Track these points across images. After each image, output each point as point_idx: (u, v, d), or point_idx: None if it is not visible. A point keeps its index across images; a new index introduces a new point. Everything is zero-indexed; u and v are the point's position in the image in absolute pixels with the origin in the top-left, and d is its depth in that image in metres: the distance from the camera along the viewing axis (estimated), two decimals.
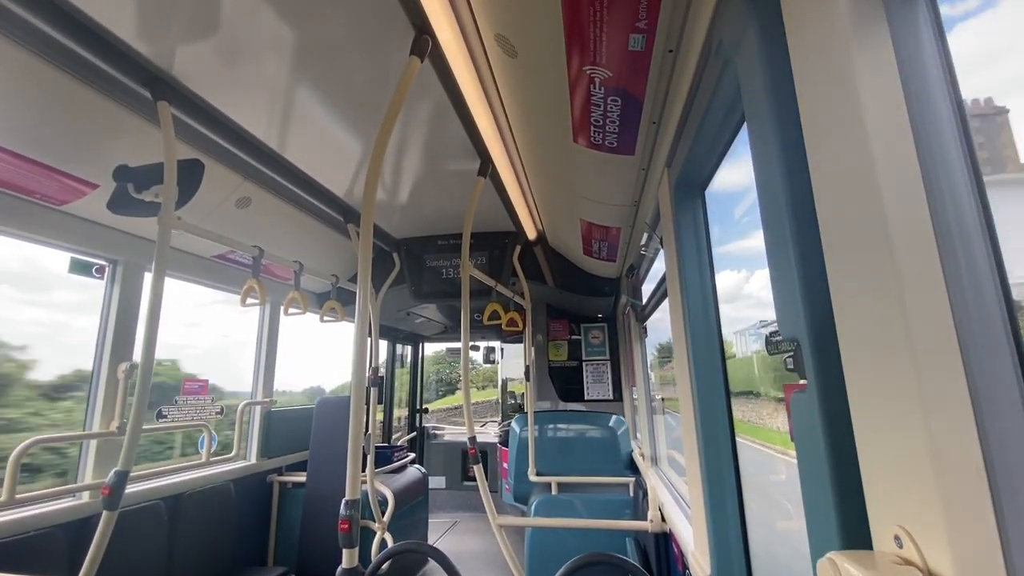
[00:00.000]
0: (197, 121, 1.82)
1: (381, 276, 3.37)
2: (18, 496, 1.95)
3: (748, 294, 1.73)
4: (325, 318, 3.28)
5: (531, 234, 3.29)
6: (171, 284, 2.76)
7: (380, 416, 5.32)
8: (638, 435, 3.61)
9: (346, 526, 1.34)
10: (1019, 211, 0.56)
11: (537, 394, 4.34)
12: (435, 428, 6.65)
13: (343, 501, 1.35)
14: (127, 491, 1.66)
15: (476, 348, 7.34)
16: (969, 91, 0.55)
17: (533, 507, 3.01)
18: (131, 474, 1.65)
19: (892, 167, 0.52)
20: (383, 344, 5.72)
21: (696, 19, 1.06)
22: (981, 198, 0.51)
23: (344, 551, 1.36)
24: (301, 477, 3.42)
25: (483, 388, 16.38)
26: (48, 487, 2.17)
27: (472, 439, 2.27)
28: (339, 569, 1.36)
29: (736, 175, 1.48)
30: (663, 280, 1.97)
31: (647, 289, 2.88)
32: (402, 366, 6.44)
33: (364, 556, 2.99)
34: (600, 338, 4.53)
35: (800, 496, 0.73)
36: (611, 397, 4.35)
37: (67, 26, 1.37)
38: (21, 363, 2.59)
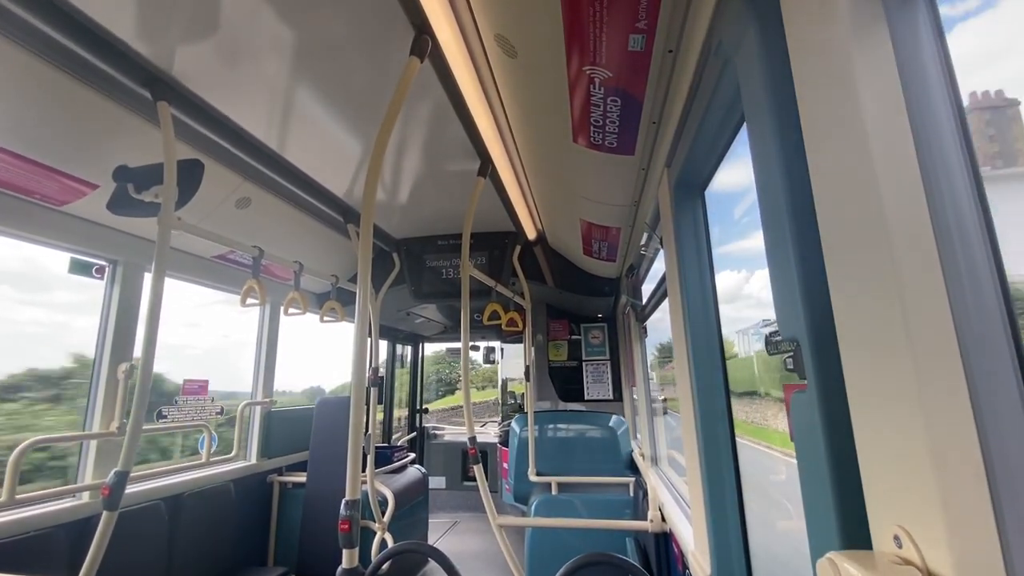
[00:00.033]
0: (197, 121, 1.82)
1: (381, 276, 3.37)
2: (18, 496, 1.95)
3: (748, 294, 1.73)
4: (325, 318, 3.28)
5: (531, 234, 3.30)
6: (171, 284, 2.76)
7: (380, 416, 5.32)
8: (638, 435, 3.61)
9: (346, 526, 1.34)
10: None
11: (537, 394, 4.34)
12: (435, 428, 6.65)
13: (343, 501, 1.35)
14: (127, 491, 1.66)
15: (476, 348, 7.34)
16: (969, 91, 0.55)
17: (533, 507, 3.01)
18: (131, 474, 1.65)
19: (892, 167, 0.52)
20: (383, 344, 5.72)
21: (696, 19, 1.06)
22: (980, 198, 0.51)
23: (344, 551, 1.36)
24: (301, 477, 3.42)
25: (483, 388, 16.39)
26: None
27: (472, 439, 2.27)
28: (339, 569, 1.36)
29: (736, 175, 1.48)
30: (663, 280, 1.97)
31: (647, 289, 2.88)
32: (402, 366, 6.44)
33: (364, 556, 2.99)
34: (600, 338, 4.53)
35: (800, 496, 0.73)
36: (611, 397, 4.35)
37: (67, 26, 1.37)
38: None
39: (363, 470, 2.92)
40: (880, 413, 0.54)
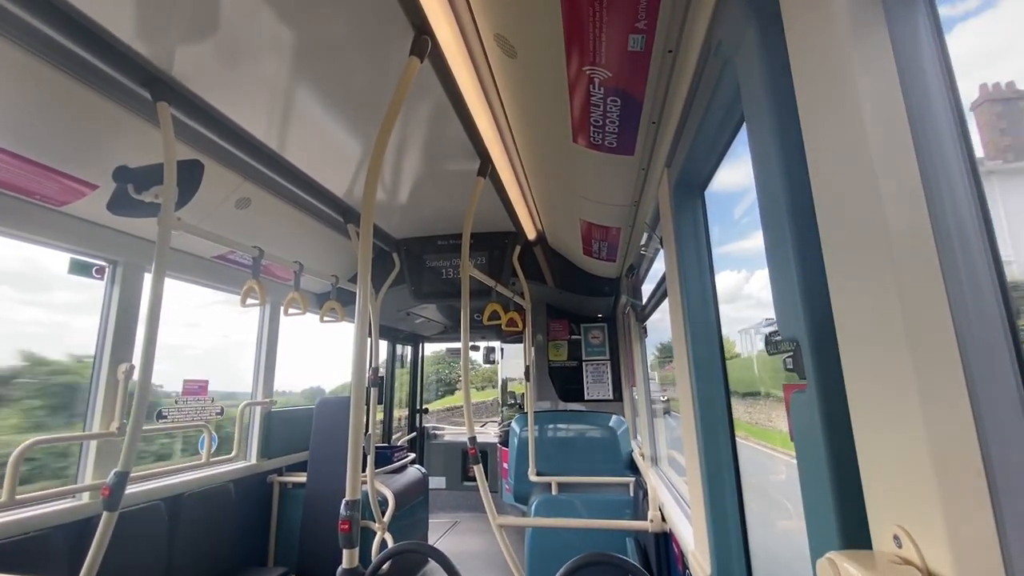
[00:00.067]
0: (197, 122, 1.82)
1: (381, 276, 3.37)
2: (18, 497, 1.95)
3: (748, 294, 1.73)
4: (325, 318, 3.29)
5: (531, 234, 3.30)
6: (171, 284, 2.76)
7: (380, 416, 5.32)
8: (638, 435, 3.61)
9: (346, 526, 1.34)
10: None
11: (537, 394, 4.34)
12: (435, 428, 6.65)
13: (343, 501, 1.35)
14: (127, 492, 1.66)
15: (476, 348, 7.34)
16: (968, 91, 0.55)
17: (533, 507, 3.01)
18: (131, 475, 1.65)
19: (891, 167, 0.52)
20: (383, 344, 5.72)
21: (695, 19, 1.06)
22: (980, 198, 0.51)
23: (344, 551, 1.36)
24: (301, 477, 3.42)
25: (482, 388, 16.39)
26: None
27: (472, 439, 2.27)
28: (339, 569, 1.36)
29: (736, 175, 1.49)
30: (663, 280, 1.98)
31: (647, 289, 2.88)
32: (402, 366, 6.44)
33: (364, 556, 2.99)
34: (600, 338, 4.53)
35: (800, 496, 0.73)
36: (611, 397, 4.35)
37: (66, 27, 1.37)
38: None
39: (363, 470, 2.92)
40: (880, 413, 0.54)
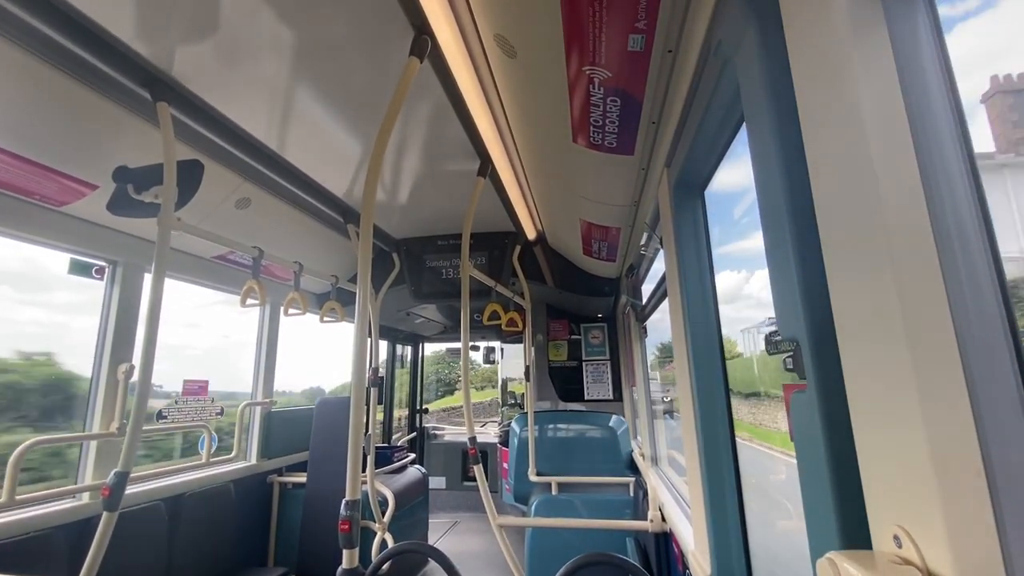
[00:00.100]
0: (197, 122, 1.82)
1: (381, 276, 3.37)
2: (18, 497, 1.95)
3: (748, 294, 1.73)
4: (325, 319, 3.29)
5: (531, 234, 3.30)
6: (171, 285, 2.76)
7: (380, 416, 5.32)
8: (638, 435, 3.61)
9: (346, 526, 1.34)
10: None
11: (537, 394, 4.34)
12: (435, 428, 6.65)
13: (343, 501, 1.35)
14: (127, 492, 1.66)
15: (476, 348, 7.34)
16: (967, 91, 0.55)
17: (533, 507, 3.01)
18: (131, 475, 1.65)
19: (891, 167, 0.52)
20: (383, 344, 5.72)
21: (695, 19, 1.06)
22: (979, 198, 0.51)
23: (344, 551, 1.36)
24: (301, 478, 3.42)
25: (481, 389, 16.37)
26: None
27: (472, 439, 2.27)
28: (339, 570, 1.36)
29: (735, 175, 1.49)
30: (663, 280, 1.98)
31: (647, 289, 2.88)
32: (402, 366, 6.44)
33: (364, 556, 2.99)
34: (600, 338, 4.53)
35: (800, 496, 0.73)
36: (611, 397, 4.35)
37: (66, 27, 1.37)
38: None
39: (363, 470, 2.92)
40: (880, 413, 0.55)
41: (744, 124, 0.89)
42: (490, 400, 13.21)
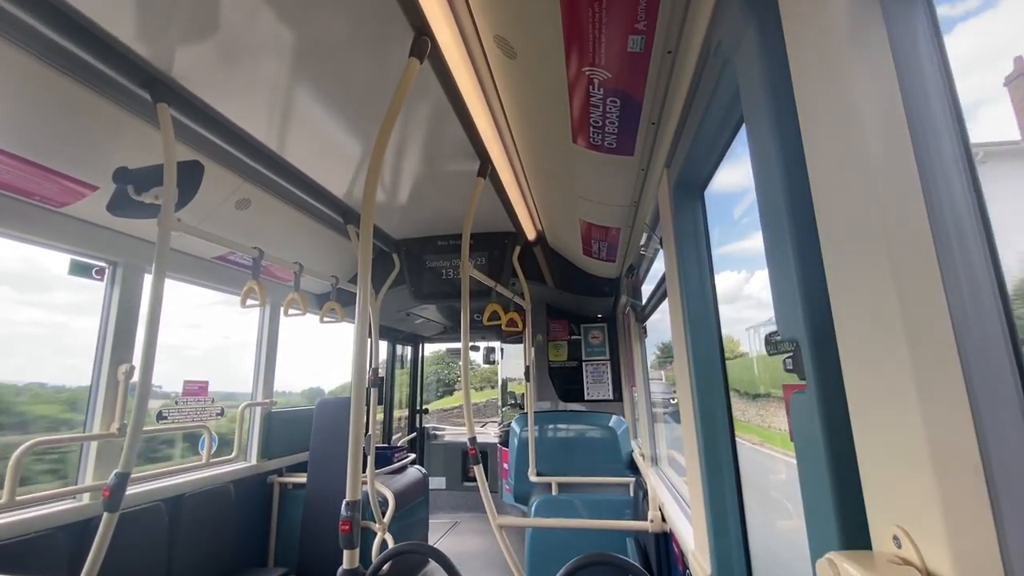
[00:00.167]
0: (197, 123, 1.82)
1: (381, 277, 3.38)
2: (19, 498, 1.95)
3: (748, 295, 1.73)
4: (325, 319, 3.29)
5: (531, 234, 3.30)
6: (171, 285, 2.76)
7: (380, 417, 5.32)
8: (638, 435, 3.61)
9: (347, 527, 1.34)
10: None
11: (537, 394, 4.35)
12: (435, 428, 6.65)
13: (343, 502, 1.35)
14: (128, 492, 1.66)
15: (476, 348, 7.34)
16: (966, 92, 0.55)
17: (533, 507, 3.01)
18: (132, 476, 1.65)
19: (890, 168, 0.53)
20: (383, 345, 5.72)
21: (695, 20, 1.06)
22: (978, 198, 0.51)
23: (345, 552, 1.36)
24: (301, 478, 3.42)
25: (480, 389, 16.35)
26: None
27: (472, 439, 2.27)
28: (340, 570, 1.36)
29: (735, 176, 1.49)
30: (663, 280, 1.98)
31: (647, 289, 2.88)
32: (402, 367, 6.44)
33: (364, 557, 2.99)
34: (600, 338, 4.53)
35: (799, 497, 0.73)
36: (611, 397, 4.36)
37: (66, 28, 1.37)
38: None
39: (363, 471, 2.93)
40: (879, 413, 0.55)
41: (744, 124, 0.89)
42: (486, 401, 13.20)
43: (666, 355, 3.16)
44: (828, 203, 0.63)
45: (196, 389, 3.00)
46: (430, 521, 4.19)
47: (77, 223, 2.25)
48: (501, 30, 1.36)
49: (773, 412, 1.55)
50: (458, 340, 6.05)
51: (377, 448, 3.26)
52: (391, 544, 2.95)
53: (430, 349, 7.19)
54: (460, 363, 2.44)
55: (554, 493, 3.17)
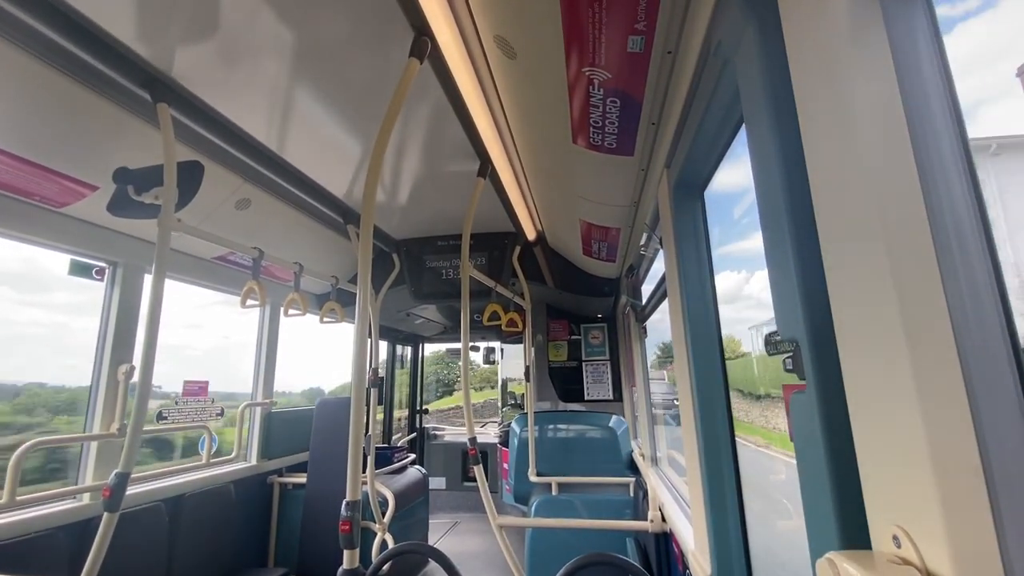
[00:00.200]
0: (197, 123, 1.82)
1: (381, 277, 3.38)
2: (19, 498, 1.95)
3: (748, 295, 1.73)
4: (325, 319, 3.29)
5: (531, 235, 3.30)
6: (171, 286, 2.76)
7: (380, 417, 5.32)
8: (638, 435, 3.61)
9: (347, 527, 1.34)
10: None
11: (537, 394, 4.35)
12: (435, 429, 6.65)
13: (343, 502, 1.35)
14: (128, 492, 1.66)
15: (476, 349, 7.34)
16: (966, 92, 0.55)
17: (533, 507, 3.01)
18: (132, 476, 1.65)
19: (889, 168, 0.53)
20: (383, 345, 5.72)
21: (695, 20, 1.06)
22: (977, 199, 0.51)
23: (345, 552, 1.36)
24: (301, 478, 3.42)
25: (480, 389, 16.34)
26: None
27: (472, 440, 2.27)
28: (340, 570, 1.36)
29: (735, 176, 1.49)
30: (663, 280, 1.98)
31: (647, 289, 2.88)
32: (402, 367, 6.44)
33: (365, 557, 2.99)
34: (600, 338, 4.53)
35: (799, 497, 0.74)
36: (611, 397, 4.36)
37: (66, 28, 1.37)
38: None
39: (363, 471, 2.93)
40: (879, 413, 0.55)
41: (744, 124, 0.89)
42: (484, 402, 13.19)
43: (666, 355, 3.16)
44: (828, 203, 0.63)
45: (196, 389, 3.00)
46: (430, 521, 4.19)
47: (77, 223, 2.25)
48: (501, 30, 1.36)
49: (778, 413, 1.54)
50: (458, 340, 6.05)
51: (377, 448, 3.26)
52: (391, 544, 2.95)
53: (430, 349, 7.19)
54: (460, 363, 2.44)
55: (554, 493, 3.17)
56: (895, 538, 0.51)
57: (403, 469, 3.86)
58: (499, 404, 8.06)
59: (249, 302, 2.50)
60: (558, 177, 2.19)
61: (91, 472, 2.29)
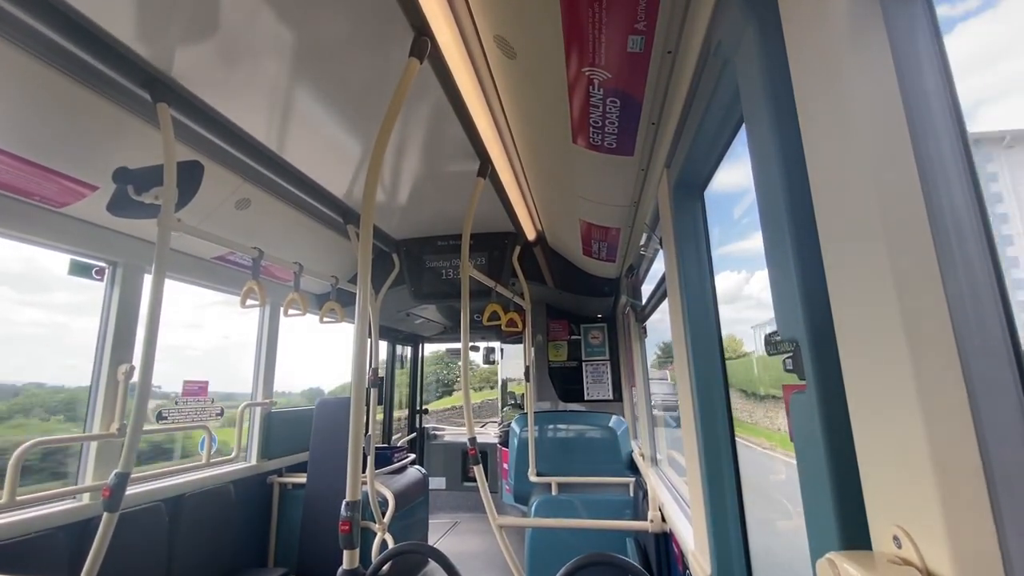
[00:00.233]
0: (197, 123, 1.82)
1: (381, 277, 3.38)
2: (19, 498, 1.95)
3: (748, 295, 1.73)
4: (325, 319, 3.29)
5: (531, 235, 3.30)
6: (171, 286, 2.76)
7: (380, 417, 5.32)
8: (638, 435, 3.61)
9: (346, 527, 1.34)
10: None
11: (537, 394, 4.35)
12: (435, 429, 6.65)
13: (343, 502, 1.35)
14: (128, 492, 1.66)
15: (476, 349, 7.34)
16: (966, 91, 0.55)
17: (533, 507, 3.01)
18: (132, 476, 1.65)
19: (889, 168, 0.53)
20: (383, 345, 5.72)
21: (695, 20, 1.06)
22: (978, 199, 0.51)
23: (344, 552, 1.36)
24: (301, 478, 3.42)
25: (480, 389, 16.32)
26: None
27: (472, 440, 2.27)
28: (340, 570, 1.36)
29: (735, 176, 1.49)
30: (663, 280, 1.98)
31: (647, 289, 2.88)
32: (402, 367, 6.44)
33: (364, 557, 2.99)
34: (600, 338, 4.53)
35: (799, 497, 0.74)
36: (611, 397, 4.36)
37: (66, 28, 1.37)
38: None
39: (363, 471, 2.92)
40: (879, 413, 0.55)
41: (744, 124, 0.89)
42: (481, 402, 13.19)
43: (666, 355, 3.16)
44: (828, 203, 0.63)
45: (196, 389, 3.00)
46: (430, 521, 4.19)
47: (77, 223, 2.25)
48: (501, 30, 1.36)
49: (782, 413, 1.54)
50: (458, 340, 6.05)
51: (377, 448, 3.26)
52: (391, 544, 2.95)
53: (430, 349, 7.19)
54: (460, 363, 2.44)
55: (554, 493, 3.17)
56: (895, 538, 0.51)
57: (403, 469, 3.86)
58: (499, 404, 8.06)
59: (249, 302, 2.50)
60: (558, 177, 2.19)
61: (91, 472, 2.29)
